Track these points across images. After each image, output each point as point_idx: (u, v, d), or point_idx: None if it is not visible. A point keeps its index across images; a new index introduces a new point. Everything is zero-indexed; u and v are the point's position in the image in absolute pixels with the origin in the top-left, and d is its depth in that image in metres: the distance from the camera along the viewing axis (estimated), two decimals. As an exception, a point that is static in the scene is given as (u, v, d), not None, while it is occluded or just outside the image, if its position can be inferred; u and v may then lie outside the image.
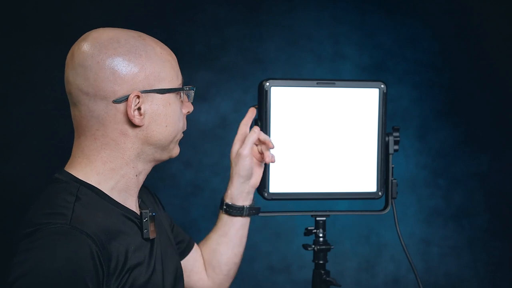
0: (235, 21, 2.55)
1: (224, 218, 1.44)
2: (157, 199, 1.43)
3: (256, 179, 1.42)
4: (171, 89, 1.19)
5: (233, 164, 1.41)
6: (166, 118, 1.20)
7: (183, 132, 1.28)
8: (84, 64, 1.14)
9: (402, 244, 1.41)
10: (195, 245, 1.49)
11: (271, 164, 1.38)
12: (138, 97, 1.15)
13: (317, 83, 1.37)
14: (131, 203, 1.22)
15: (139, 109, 1.16)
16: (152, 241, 1.23)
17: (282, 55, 2.60)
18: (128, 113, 1.14)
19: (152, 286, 1.18)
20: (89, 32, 1.18)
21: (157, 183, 2.43)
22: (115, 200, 1.18)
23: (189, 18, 2.51)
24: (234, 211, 1.43)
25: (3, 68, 2.32)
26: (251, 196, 1.44)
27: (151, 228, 1.22)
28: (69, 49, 1.23)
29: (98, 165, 1.17)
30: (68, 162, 1.20)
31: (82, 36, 1.17)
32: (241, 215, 1.43)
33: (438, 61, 2.66)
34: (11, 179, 2.30)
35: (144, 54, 1.16)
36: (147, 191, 1.38)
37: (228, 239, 1.45)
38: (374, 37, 2.64)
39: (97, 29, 1.19)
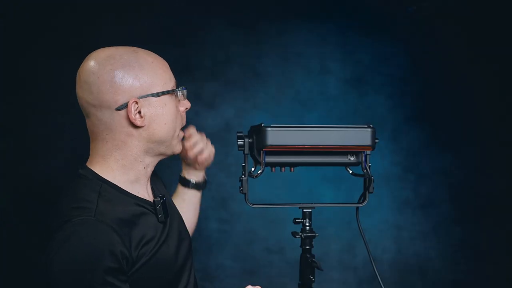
0: (237, 41, 2.60)
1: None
2: (161, 179, 1.47)
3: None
4: (164, 91, 1.22)
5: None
6: (164, 117, 1.22)
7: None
8: (88, 80, 1.18)
9: (364, 241, 1.44)
10: None
11: None
12: (136, 102, 1.18)
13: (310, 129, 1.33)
14: (143, 192, 1.27)
15: (140, 112, 1.20)
16: (165, 222, 1.28)
17: (277, 70, 2.65)
18: (130, 117, 1.19)
19: (162, 258, 1.22)
20: (91, 53, 1.22)
21: (169, 178, 2.36)
22: (130, 193, 1.23)
23: (200, 39, 2.56)
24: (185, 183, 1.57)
25: (3, 68, 2.31)
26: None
27: (163, 212, 1.28)
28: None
29: (112, 163, 1.22)
30: (89, 160, 1.25)
31: (86, 57, 1.22)
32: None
33: (408, 75, 2.71)
34: (11, 178, 2.31)
35: (137, 66, 1.19)
36: (155, 176, 1.41)
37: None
38: (354, 55, 2.68)
39: (98, 49, 1.22)
